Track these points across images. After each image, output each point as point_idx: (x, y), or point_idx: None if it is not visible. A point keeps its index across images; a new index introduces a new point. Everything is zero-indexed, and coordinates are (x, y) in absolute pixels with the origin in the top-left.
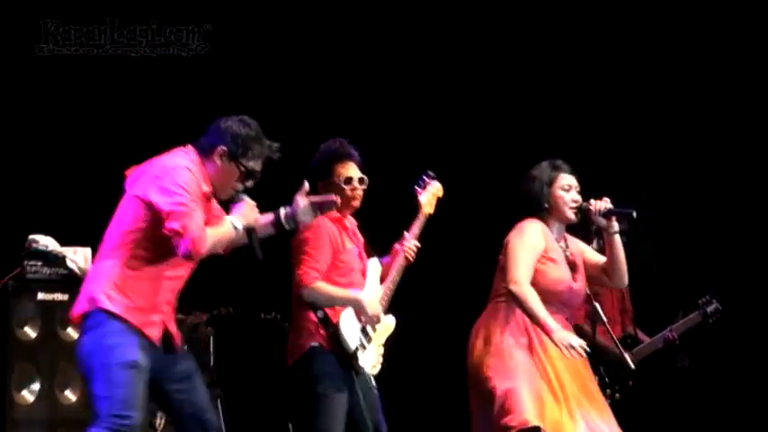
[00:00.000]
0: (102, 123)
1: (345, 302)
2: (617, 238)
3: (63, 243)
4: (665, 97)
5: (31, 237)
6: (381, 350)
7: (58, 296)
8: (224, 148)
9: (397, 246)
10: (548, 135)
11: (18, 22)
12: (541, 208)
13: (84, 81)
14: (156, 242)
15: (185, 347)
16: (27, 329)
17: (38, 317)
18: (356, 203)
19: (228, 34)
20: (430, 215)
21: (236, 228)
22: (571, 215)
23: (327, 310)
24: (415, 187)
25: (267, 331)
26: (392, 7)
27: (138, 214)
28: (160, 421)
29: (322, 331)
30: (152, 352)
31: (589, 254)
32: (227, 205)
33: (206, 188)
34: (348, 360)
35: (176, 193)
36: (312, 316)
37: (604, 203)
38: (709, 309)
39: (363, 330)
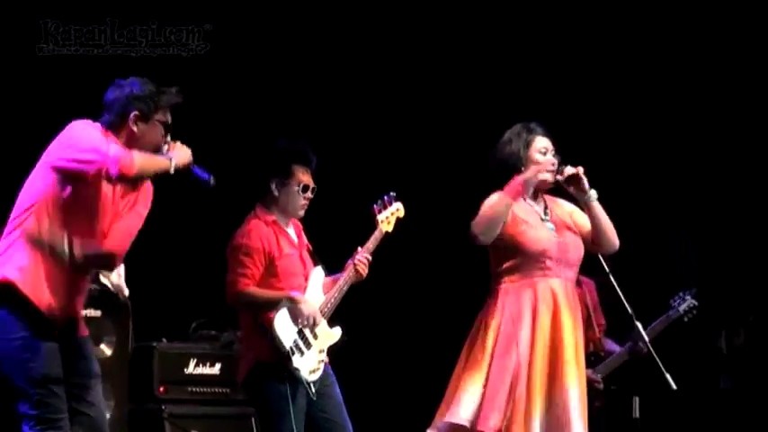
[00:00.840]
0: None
1: (279, 302)
2: (593, 204)
3: None
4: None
5: None
6: (323, 357)
7: (91, 312)
8: (135, 112)
9: (349, 261)
10: None
11: (18, 22)
12: (516, 170)
13: (84, 81)
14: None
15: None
16: None
17: None
18: (302, 213)
19: (228, 34)
20: (388, 233)
21: (170, 160)
22: (549, 177)
23: (265, 318)
24: (374, 205)
25: None
26: (392, 7)
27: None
28: None
29: (263, 341)
30: None
31: (576, 215)
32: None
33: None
34: (283, 362)
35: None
36: (253, 328)
37: (571, 169)
38: (683, 307)
39: (300, 333)
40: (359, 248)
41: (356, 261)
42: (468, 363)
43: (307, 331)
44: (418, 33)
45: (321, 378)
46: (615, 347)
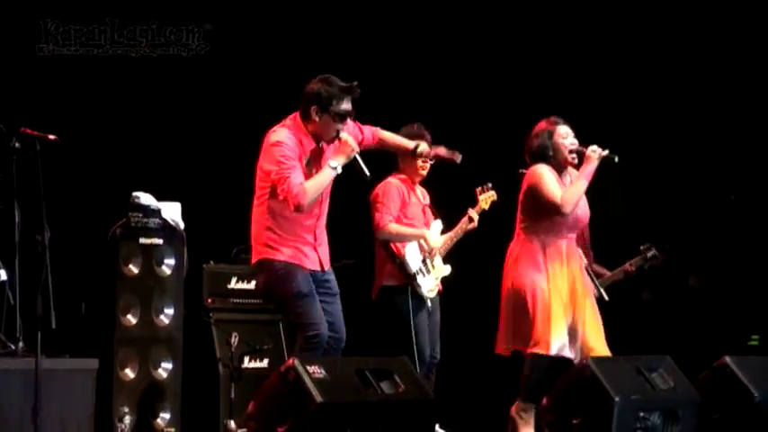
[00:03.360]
0: (102, 123)
1: (413, 236)
2: (611, 160)
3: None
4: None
5: (134, 193)
6: (437, 282)
7: (156, 240)
8: (315, 106)
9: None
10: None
11: (18, 22)
12: (547, 156)
13: (84, 81)
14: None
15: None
16: (131, 266)
17: (139, 257)
18: (421, 176)
19: (228, 34)
20: (483, 210)
21: (333, 168)
22: (569, 158)
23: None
24: (477, 188)
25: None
26: (392, 7)
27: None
28: (234, 339)
29: (391, 269)
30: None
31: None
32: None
33: (310, 145)
34: (411, 281)
35: (277, 162)
36: (385, 257)
37: (596, 149)
38: (649, 254)
39: (424, 261)
40: (469, 208)
41: (470, 212)
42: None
43: (428, 261)
44: (418, 33)
45: (434, 300)
46: (604, 270)
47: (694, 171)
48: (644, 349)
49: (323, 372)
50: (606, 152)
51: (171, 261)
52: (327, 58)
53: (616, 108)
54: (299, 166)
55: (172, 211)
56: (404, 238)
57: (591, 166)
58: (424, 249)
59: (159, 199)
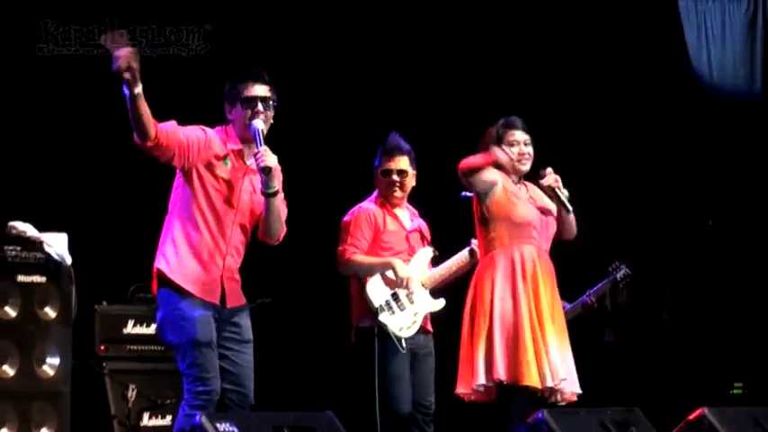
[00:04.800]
0: (101, 123)
1: (380, 266)
2: (562, 209)
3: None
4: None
5: (11, 223)
6: (417, 319)
7: (37, 278)
8: (227, 103)
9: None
10: None
11: (18, 22)
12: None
13: (84, 81)
14: None
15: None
16: (7, 309)
17: (18, 298)
18: (397, 195)
19: (228, 34)
20: None
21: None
22: (518, 167)
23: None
24: None
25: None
26: (393, 7)
27: None
28: (132, 393)
29: (363, 305)
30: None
31: (547, 200)
32: None
33: (235, 147)
34: (375, 319)
35: None
36: (358, 293)
37: (551, 180)
38: (619, 274)
39: (395, 295)
40: (472, 239)
41: (472, 244)
42: (475, 327)
43: (402, 294)
44: (419, 32)
45: (417, 342)
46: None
47: (668, 193)
48: (609, 400)
49: (235, 429)
50: (550, 180)
51: (56, 302)
52: (327, 59)
53: (593, 132)
54: None
55: (57, 244)
56: (369, 270)
57: (498, 154)
58: (394, 281)
59: (41, 229)
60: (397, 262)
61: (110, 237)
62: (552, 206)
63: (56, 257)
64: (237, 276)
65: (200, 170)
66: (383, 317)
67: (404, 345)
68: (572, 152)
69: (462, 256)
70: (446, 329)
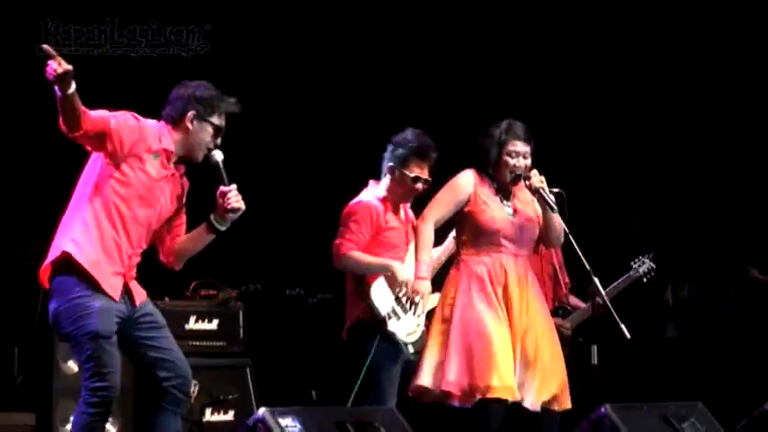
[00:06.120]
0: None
1: (377, 268)
2: (547, 209)
3: None
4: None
5: None
6: (420, 321)
7: None
8: (193, 112)
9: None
10: None
11: (18, 22)
12: (488, 164)
13: (85, 81)
14: None
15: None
16: None
17: None
18: (411, 200)
19: (228, 34)
20: None
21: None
22: (507, 179)
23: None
24: None
25: (291, 306)
26: (393, 7)
27: None
28: (194, 388)
29: (363, 303)
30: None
31: (535, 206)
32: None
33: (169, 147)
34: (381, 325)
35: None
36: (355, 290)
37: (537, 182)
38: (642, 269)
39: (397, 299)
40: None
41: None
42: (431, 332)
43: (403, 297)
44: (419, 31)
45: (420, 345)
46: (581, 303)
47: (732, 187)
48: (672, 395)
49: (297, 425)
50: (537, 183)
51: None
52: (327, 58)
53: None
54: None
55: None
56: (365, 269)
57: None
58: (396, 284)
59: None
60: (396, 265)
61: None
62: (537, 211)
63: None
64: (135, 272)
65: (128, 160)
66: (391, 325)
67: (411, 349)
68: (632, 152)
69: (450, 244)
70: None
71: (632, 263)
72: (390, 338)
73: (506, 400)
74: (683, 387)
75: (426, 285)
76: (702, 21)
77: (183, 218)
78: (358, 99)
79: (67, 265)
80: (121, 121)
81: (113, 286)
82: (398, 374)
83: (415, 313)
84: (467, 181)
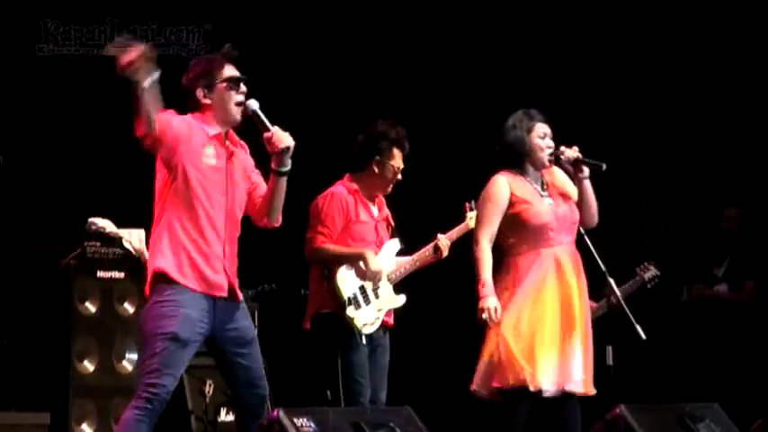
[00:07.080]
0: (101, 123)
1: (349, 257)
2: (585, 182)
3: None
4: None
5: (91, 219)
6: (380, 315)
7: (116, 274)
8: (200, 87)
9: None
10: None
11: (18, 22)
12: (521, 155)
13: (84, 81)
14: None
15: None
16: (88, 304)
17: (97, 294)
18: (389, 191)
19: (228, 34)
20: (471, 229)
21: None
22: (546, 161)
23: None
24: (467, 203)
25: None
26: (393, 7)
27: None
28: (209, 388)
29: (325, 292)
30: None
31: (570, 186)
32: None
33: (213, 131)
34: (340, 310)
35: None
36: (319, 279)
37: (573, 152)
38: (647, 275)
39: (362, 289)
40: (438, 234)
41: (438, 240)
42: (489, 334)
43: (369, 288)
44: (419, 31)
45: (376, 337)
46: (592, 303)
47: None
48: (688, 395)
49: (312, 425)
50: (575, 154)
51: (134, 297)
52: (327, 58)
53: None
54: None
55: (135, 239)
56: (339, 260)
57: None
58: (365, 273)
59: (120, 225)
60: (369, 254)
61: None
62: (572, 189)
63: (134, 253)
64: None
65: (185, 161)
66: (350, 311)
67: (364, 339)
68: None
69: (426, 252)
70: (405, 327)
71: (637, 269)
72: (348, 328)
73: (538, 392)
74: (699, 388)
75: (492, 301)
76: (720, 12)
77: (259, 180)
78: (361, 98)
79: (160, 277)
80: (176, 122)
81: (213, 285)
82: (365, 365)
83: (376, 306)
84: (501, 186)
